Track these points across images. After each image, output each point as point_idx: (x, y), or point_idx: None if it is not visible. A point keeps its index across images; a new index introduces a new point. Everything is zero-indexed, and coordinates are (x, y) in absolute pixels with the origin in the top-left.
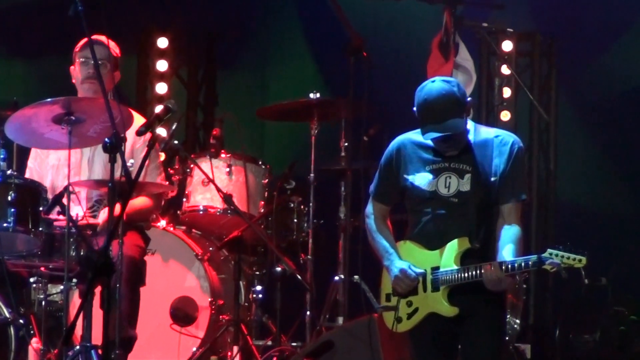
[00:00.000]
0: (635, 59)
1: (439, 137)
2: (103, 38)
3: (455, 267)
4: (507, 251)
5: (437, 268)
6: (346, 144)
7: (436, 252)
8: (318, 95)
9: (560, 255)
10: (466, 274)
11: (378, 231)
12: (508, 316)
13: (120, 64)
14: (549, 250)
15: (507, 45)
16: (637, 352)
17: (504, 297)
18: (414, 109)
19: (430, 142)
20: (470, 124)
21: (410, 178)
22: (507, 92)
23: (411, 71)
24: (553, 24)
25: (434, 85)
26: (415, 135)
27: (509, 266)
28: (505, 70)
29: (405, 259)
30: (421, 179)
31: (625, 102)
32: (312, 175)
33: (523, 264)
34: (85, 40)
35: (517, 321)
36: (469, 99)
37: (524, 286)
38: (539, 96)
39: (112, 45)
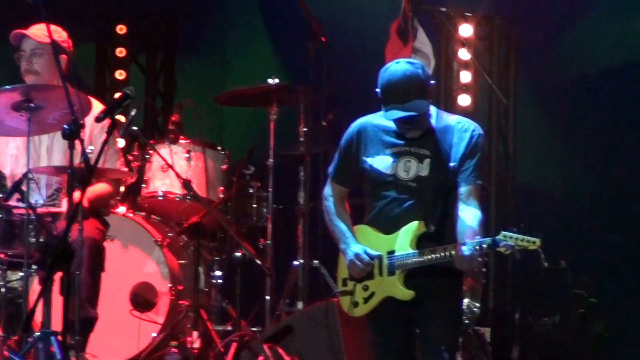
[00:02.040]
0: (593, 43)
1: (402, 117)
2: (37, 27)
3: (410, 250)
4: (470, 223)
5: (393, 252)
6: (305, 129)
7: (392, 236)
8: (277, 80)
9: (514, 238)
10: (422, 258)
11: (336, 214)
12: (468, 300)
13: (77, 50)
14: (503, 233)
15: (466, 30)
16: (597, 334)
17: (460, 281)
18: (377, 90)
19: (391, 125)
20: (432, 109)
21: (370, 161)
22: (465, 77)
23: (370, 56)
24: (512, 7)
25: (398, 66)
26: (376, 118)
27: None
28: (463, 54)
29: (362, 242)
30: (381, 162)
31: (584, 85)
32: (271, 160)
33: (478, 247)
34: (15, 32)
35: (477, 304)
36: (432, 81)
37: (484, 270)
38: (498, 80)
39: (52, 30)
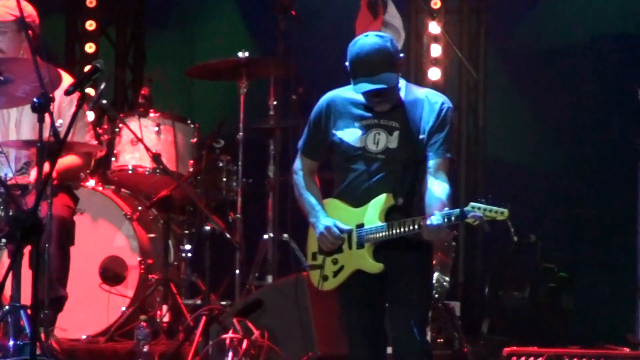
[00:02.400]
0: (563, 16)
1: (371, 90)
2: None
3: (379, 223)
4: (438, 195)
5: (362, 225)
6: (275, 102)
7: (361, 209)
8: (247, 54)
9: (483, 209)
10: (391, 231)
11: (306, 187)
12: (437, 274)
13: (47, 23)
14: (472, 204)
15: (436, 3)
16: (566, 309)
17: (430, 254)
18: (346, 63)
19: (361, 99)
20: (401, 82)
21: (339, 134)
22: (436, 50)
23: (340, 29)
24: None
25: (367, 39)
26: (346, 91)
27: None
28: (434, 27)
29: (331, 216)
30: (350, 135)
31: (554, 59)
32: (241, 134)
33: (446, 218)
34: None
35: (447, 278)
36: (401, 55)
37: (454, 243)
38: (468, 54)
39: (22, 5)
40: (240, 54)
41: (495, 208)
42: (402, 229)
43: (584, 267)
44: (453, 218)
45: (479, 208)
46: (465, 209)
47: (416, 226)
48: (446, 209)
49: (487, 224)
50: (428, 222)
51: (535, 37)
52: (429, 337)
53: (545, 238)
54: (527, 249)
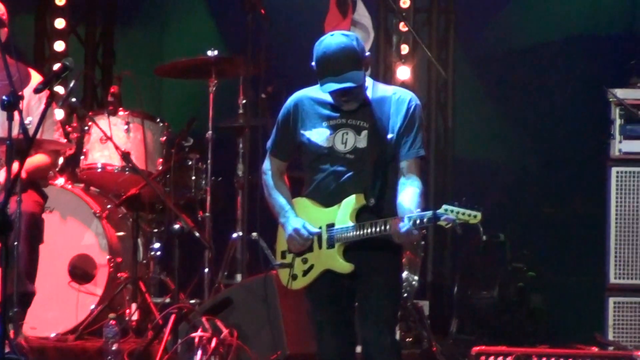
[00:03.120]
0: (533, 16)
1: (337, 90)
2: None
3: (350, 223)
4: (408, 206)
5: (333, 225)
6: (244, 101)
7: (332, 209)
8: (216, 52)
9: (456, 212)
10: (361, 231)
11: (275, 187)
12: (406, 273)
13: (16, 21)
14: (445, 206)
15: (405, 2)
16: (535, 308)
17: (399, 255)
18: (313, 63)
19: (328, 98)
20: (368, 81)
21: (307, 134)
22: (405, 49)
23: (309, 28)
24: None
25: (333, 38)
26: (313, 91)
27: (406, 222)
28: (403, 26)
29: (301, 216)
30: (318, 135)
31: (523, 59)
32: (210, 132)
33: (418, 220)
34: None
35: (416, 278)
36: (367, 53)
37: (422, 243)
38: (437, 53)
39: None
40: (209, 53)
41: (468, 211)
42: (372, 230)
43: (553, 267)
44: (425, 220)
45: (452, 211)
46: (438, 211)
47: (387, 227)
48: (418, 210)
49: (459, 227)
50: (397, 227)
51: (505, 37)
52: (397, 336)
53: (514, 237)
54: (496, 249)
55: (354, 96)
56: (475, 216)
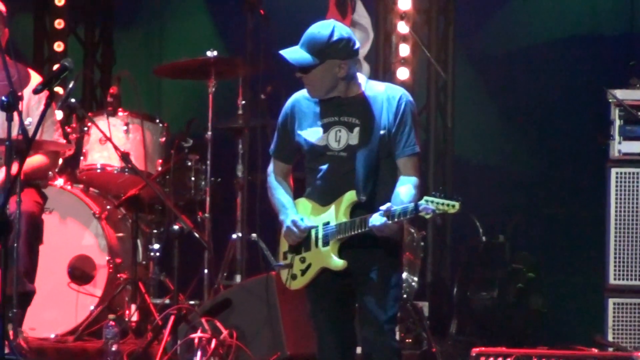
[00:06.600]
0: (532, 16)
1: (281, 54)
2: None
3: (344, 220)
4: (400, 199)
5: (329, 223)
6: (243, 102)
7: (328, 207)
8: (215, 53)
9: (435, 202)
10: (352, 227)
11: (277, 188)
12: (406, 274)
13: (15, 21)
14: (425, 197)
15: (405, 2)
16: (535, 309)
17: (398, 252)
18: None
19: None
20: (362, 79)
21: (304, 134)
22: (404, 50)
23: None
24: None
25: (321, 23)
26: None
27: (389, 213)
28: (402, 27)
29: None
30: (313, 134)
31: (522, 59)
32: (209, 133)
33: (401, 212)
34: None
35: (415, 279)
36: (356, 47)
37: (422, 244)
38: (437, 54)
39: None
40: (208, 53)
41: (446, 201)
42: (353, 226)
43: (553, 268)
44: (405, 212)
45: (432, 202)
46: (418, 202)
47: (365, 226)
48: (404, 200)
49: (439, 217)
50: (370, 224)
51: (504, 37)
52: (397, 337)
53: (513, 238)
54: (495, 250)
55: (309, 81)
56: (453, 206)
